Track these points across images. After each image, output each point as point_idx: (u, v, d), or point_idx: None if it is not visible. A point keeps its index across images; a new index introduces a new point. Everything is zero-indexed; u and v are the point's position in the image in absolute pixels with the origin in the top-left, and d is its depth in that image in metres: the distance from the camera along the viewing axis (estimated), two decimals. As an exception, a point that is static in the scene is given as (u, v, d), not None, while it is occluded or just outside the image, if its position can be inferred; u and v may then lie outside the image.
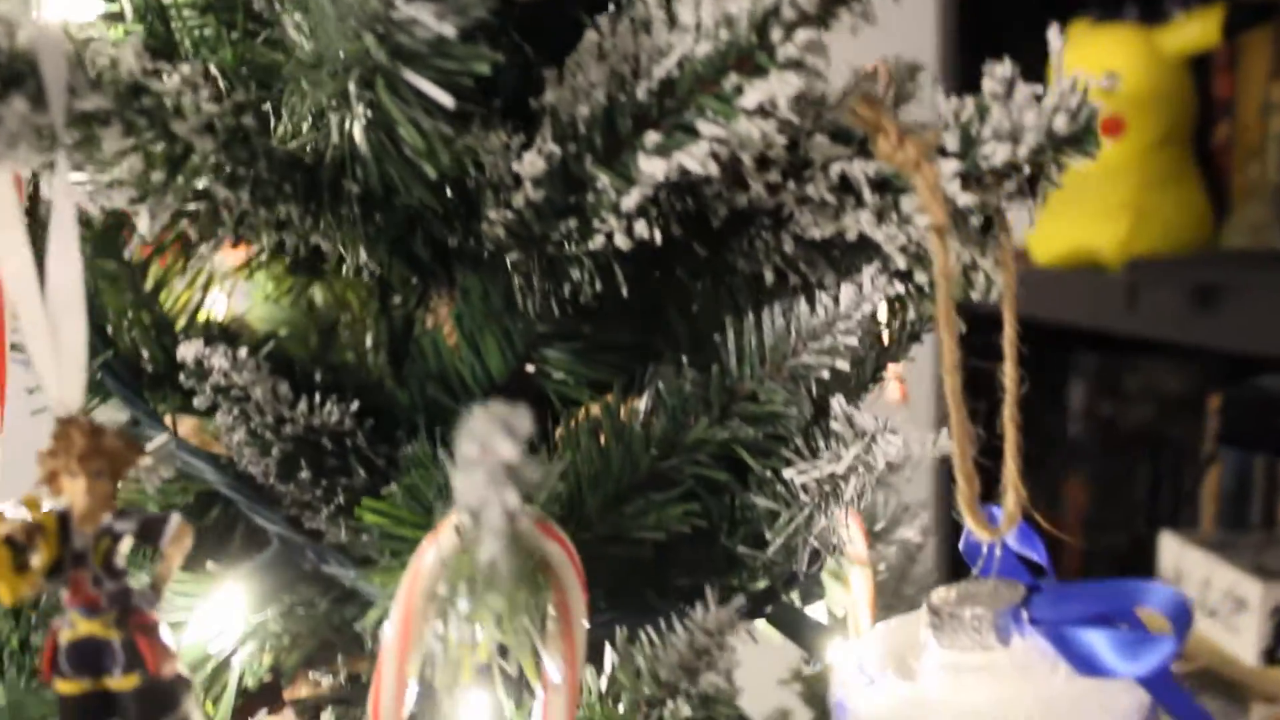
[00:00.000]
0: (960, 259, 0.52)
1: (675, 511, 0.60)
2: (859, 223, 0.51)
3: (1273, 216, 1.42)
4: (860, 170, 0.50)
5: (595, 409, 0.61)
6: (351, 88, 0.47)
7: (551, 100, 0.50)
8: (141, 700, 0.44)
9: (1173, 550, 1.41)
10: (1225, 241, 1.47)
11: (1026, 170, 0.49)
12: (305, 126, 0.53)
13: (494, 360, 0.65)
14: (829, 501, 0.58)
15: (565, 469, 0.58)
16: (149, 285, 0.70)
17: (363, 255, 0.58)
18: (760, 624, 0.69)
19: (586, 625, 0.48)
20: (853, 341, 0.55)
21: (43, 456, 0.43)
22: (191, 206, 0.51)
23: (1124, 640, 0.47)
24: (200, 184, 0.49)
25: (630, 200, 0.49)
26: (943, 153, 0.49)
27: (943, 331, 0.49)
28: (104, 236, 0.69)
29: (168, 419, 0.66)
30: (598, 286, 0.54)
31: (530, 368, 0.66)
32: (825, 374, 0.57)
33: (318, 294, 0.79)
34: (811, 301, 0.55)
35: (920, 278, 0.57)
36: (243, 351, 0.60)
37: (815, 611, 0.78)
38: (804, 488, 0.58)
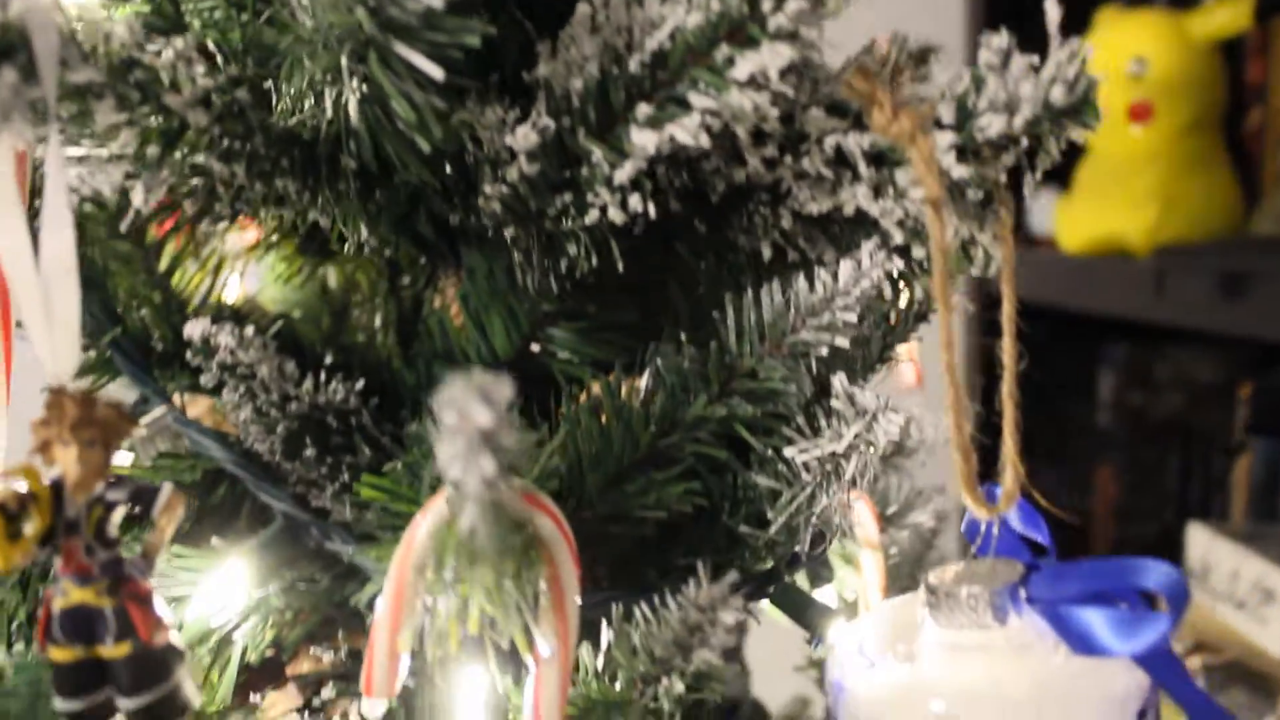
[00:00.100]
0: (958, 233, 0.51)
1: (676, 490, 0.59)
2: (855, 197, 0.51)
3: (1305, 203, 1.40)
4: (855, 143, 0.49)
5: (597, 388, 0.61)
6: (344, 61, 0.47)
7: (545, 73, 0.50)
8: (133, 668, 0.45)
9: (1201, 541, 1.40)
10: (1255, 228, 1.45)
11: (1024, 143, 0.48)
12: (307, 104, 0.54)
13: (499, 340, 0.65)
14: (830, 480, 0.58)
15: (565, 447, 0.58)
16: (162, 266, 0.71)
17: (364, 232, 0.58)
18: (778, 612, 0.69)
19: (579, 600, 0.48)
20: (852, 318, 0.54)
21: (35, 426, 0.44)
22: (189, 182, 0.51)
23: (1120, 618, 0.46)
24: (197, 159, 0.49)
25: (623, 173, 0.48)
26: (939, 125, 0.48)
27: (939, 305, 0.49)
28: (118, 217, 0.69)
29: (176, 398, 0.66)
30: (594, 262, 0.54)
31: (536, 347, 0.66)
32: (825, 351, 0.56)
33: (331, 276, 0.80)
34: (811, 278, 0.55)
35: (921, 254, 0.56)
36: (249, 330, 0.61)
37: (824, 595, 0.78)
38: (805, 466, 0.58)
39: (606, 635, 0.56)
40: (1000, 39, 0.47)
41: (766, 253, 0.56)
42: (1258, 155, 1.48)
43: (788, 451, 0.57)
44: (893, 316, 0.65)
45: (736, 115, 0.47)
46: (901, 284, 0.63)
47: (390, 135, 0.50)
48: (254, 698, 0.61)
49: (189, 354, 0.61)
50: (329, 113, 0.50)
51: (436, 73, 0.46)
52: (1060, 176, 1.54)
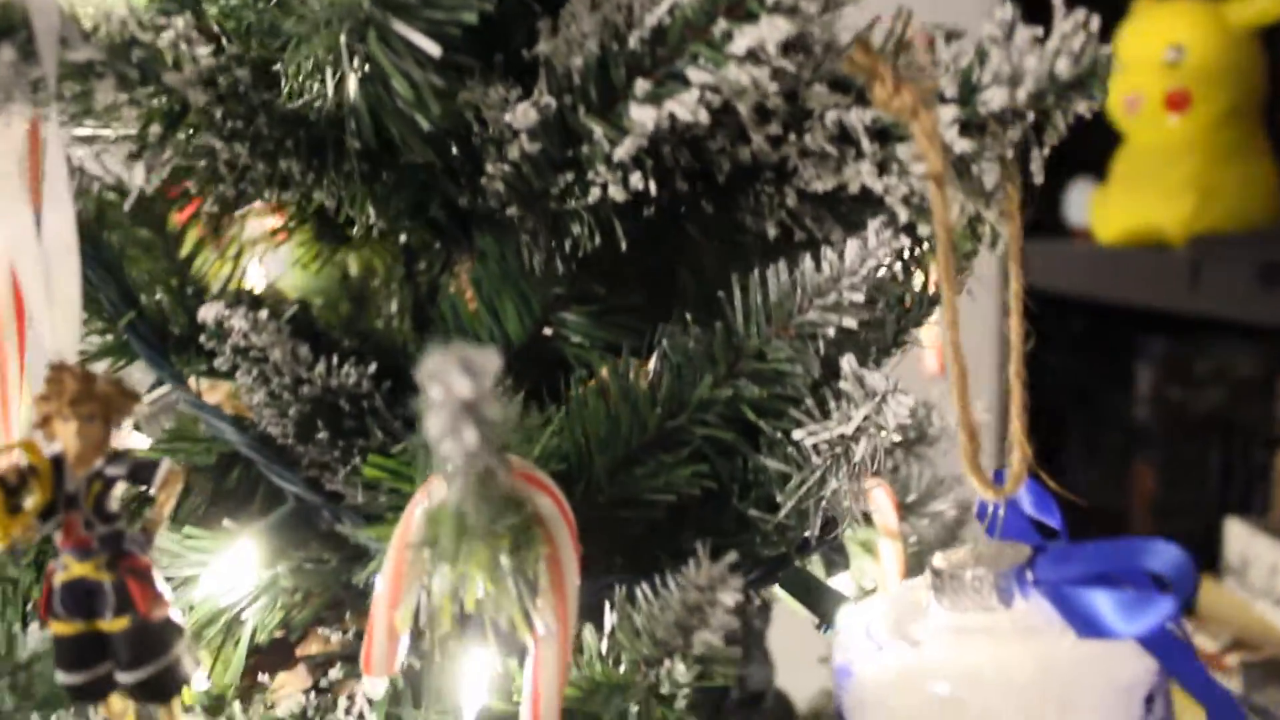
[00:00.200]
0: (964, 210, 0.51)
1: (685, 473, 0.59)
2: (860, 174, 0.50)
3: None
4: (858, 119, 0.49)
5: (605, 371, 0.61)
6: (343, 40, 0.47)
7: (546, 51, 0.50)
8: (131, 642, 0.45)
9: (1240, 537, 1.37)
10: (1294, 218, 1.43)
11: (1030, 117, 0.47)
12: (313, 85, 0.54)
13: (512, 324, 0.65)
14: (839, 463, 0.57)
15: (572, 429, 0.58)
16: (183, 253, 0.72)
17: (372, 215, 0.58)
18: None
19: (578, 580, 0.48)
20: (859, 298, 0.54)
21: (36, 400, 0.44)
22: (194, 163, 0.51)
23: (1124, 600, 0.46)
24: (201, 140, 0.50)
25: (623, 150, 0.48)
26: (942, 99, 0.47)
27: (943, 282, 0.48)
28: (140, 204, 0.70)
29: (192, 381, 0.67)
30: (598, 242, 0.54)
31: (548, 331, 0.66)
32: (833, 333, 0.56)
33: (351, 263, 0.80)
34: (817, 258, 0.54)
35: (926, 232, 0.56)
36: (262, 314, 0.61)
37: (838, 582, 0.77)
38: (815, 449, 0.57)
39: (610, 618, 0.55)
40: (1004, 10, 0.46)
41: (773, 232, 0.56)
42: (1298, 144, 1.46)
43: (796, 434, 0.57)
44: (907, 299, 0.64)
45: (736, 90, 0.46)
46: (915, 266, 0.62)
47: (391, 114, 0.50)
48: (263, 678, 0.61)
49: (203, 337, 0.61)
50: (331, 92, 0.50)
51: (434, 49, 0.46)
52: (1096, 167, 1.52)
